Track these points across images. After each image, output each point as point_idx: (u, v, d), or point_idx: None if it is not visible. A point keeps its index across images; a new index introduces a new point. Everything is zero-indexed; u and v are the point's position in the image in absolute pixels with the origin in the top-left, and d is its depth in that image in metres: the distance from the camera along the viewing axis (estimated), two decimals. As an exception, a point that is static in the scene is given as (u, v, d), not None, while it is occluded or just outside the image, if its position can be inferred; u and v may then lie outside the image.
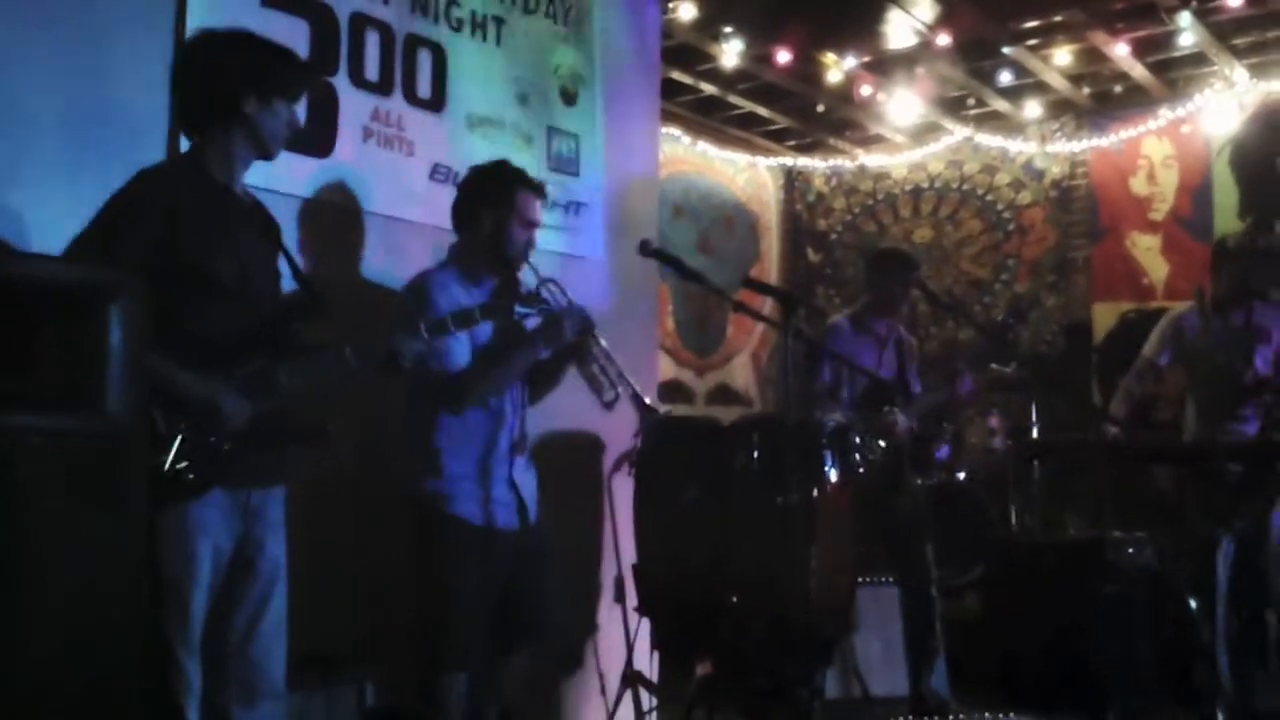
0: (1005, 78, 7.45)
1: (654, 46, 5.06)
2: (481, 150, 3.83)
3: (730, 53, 6.78)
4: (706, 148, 8.53)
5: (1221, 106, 7.41)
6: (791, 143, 9.10)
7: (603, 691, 4.07)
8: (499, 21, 4.11)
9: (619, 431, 4.04)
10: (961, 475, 6.74)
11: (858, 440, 4.12)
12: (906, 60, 7.07)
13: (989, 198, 8.58)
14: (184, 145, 2.79)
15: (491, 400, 3.20)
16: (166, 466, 2.35)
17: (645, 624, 4.01)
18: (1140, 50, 6.95)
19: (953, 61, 7.02)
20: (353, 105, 3.60)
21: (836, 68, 7.16)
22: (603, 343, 3.31)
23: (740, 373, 8.86)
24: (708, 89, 7.51)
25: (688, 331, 8.34)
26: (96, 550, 1.97)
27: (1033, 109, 8.01)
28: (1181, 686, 4.51)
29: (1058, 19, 6.56)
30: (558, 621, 3.37)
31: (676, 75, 7.03)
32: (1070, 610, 4.70)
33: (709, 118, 8.26)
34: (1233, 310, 4.59)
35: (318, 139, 3.45)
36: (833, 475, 3.85)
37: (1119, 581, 4.75)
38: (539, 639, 3.33)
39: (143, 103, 2.97)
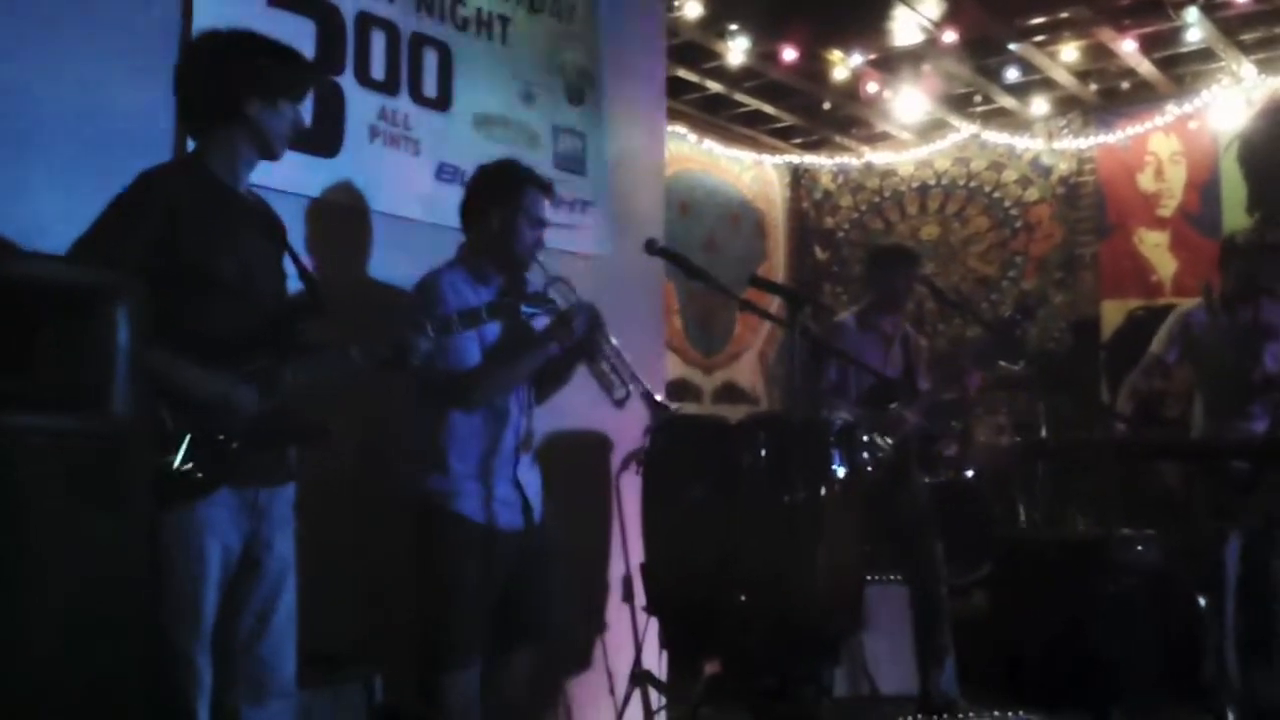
0: (1012, 74, 7.44)
1: (659, 44, 5.06)
2: (488, 149, 3.83)
3: (736, 50, 6.78)
4: (712, 146, 8.52)
5: (1229, 102, 7.39)
6: (798, 140, 9.09)
7: (611, 691, 4.07)
8: (504, 20, 4.11)
9: (627, 430, 4.04)
10: (969, 473, 6.73)
11: (865, 438, 4.12)
12: (913, 57, 7.06)
13: (996, 195, 8.57)
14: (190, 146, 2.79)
15: (497, 402, 3.20)
16: (175, 465, 2.36)
17: (653, 623, 4.01)
18: (1147, 46, 6.93)
19: (959, 58, 7.01)
20: (359, 104, 3.60)
21: (843, 65, 7.15)
22: (613, 340, 3.30)
23: (747, 371, 8.86)
24: (714, 87, 7.50)
25: (694, 330, 8.34)
26: (98, 550, 1.97)
27: (1040, 106, 8.00)
28: (1189, 684, 4.50)
29: (1064, 15, 6.54)
30: (560, 621, 3.36)
31: (682, 73, 7.02)
32: (1077, 608, 4.70)
33: (715, 116, 8.25)
34: (1241, 307, 4.57)
35: (324, 138, 3.45)
36: (840, 473, 3.84)
37: (1126, 579, 4.74)
38: (541, 639, 3.33)
39: (148, 104, 2.97)
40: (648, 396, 3.34)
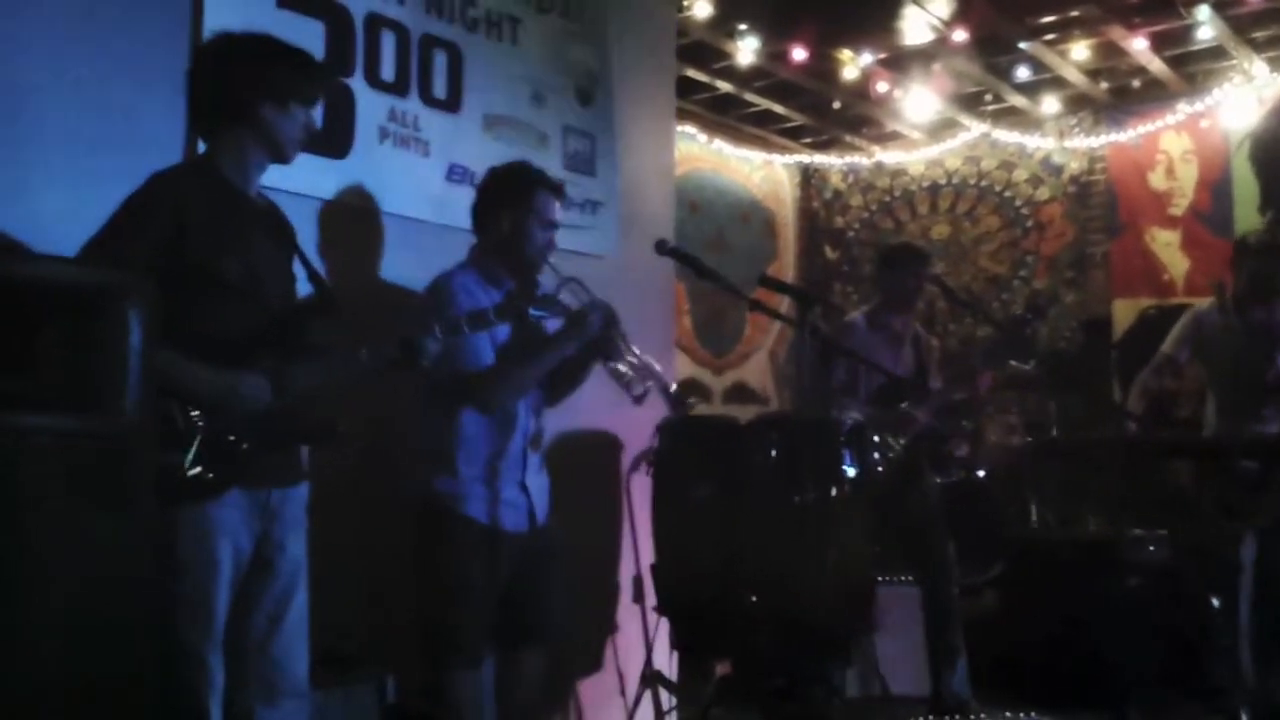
0: (1023, 73, 7.41)
1: (669, 45, 5.06)
2: (497, 150, 3.83)
3: (746, 50, 6.77)
4: (722, 145, 8.51)
5: (1240, 100, 7.36)
6: (808, 140, 9.08)
7: (622, 691, 4.08)
8: (514, 21, 4.11)
9: (637, 431, 4.04)
10: (980, 473, 6.72)
11: (876, 438, 4.11)
12: (923, 56, 7.05)
13: (1007, 194, 8.55)
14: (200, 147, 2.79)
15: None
16: (187, 465, 2.36)
17: (664, 624, 4.01)
18: (1158, 44, 6.91)
19: (969, 57, 6.99)
20: (369, 106, 3.60)
21: (852, 64, 7.13)
22: (628, 340, 3.29)
23: (757, 371, 8.85)
24: (723, 87, 7.49)
25: (704, 330, 8.33)
26: (104, 551, 1.97)
27: (1050, 104, 7.97)
28: (1201, 684, 4.49)
29: (1075, 14, 6.52)
30: (565, 622, 3.36)
31: (692, 73, 7.02)
32: (1089, 608, 4.69)
33: (725, 115, 8.24)
34: (1253, 308, 4.55)
35: (334, 140, 3.46)
36: (851, 474, 3.84)
37: (1137, 579, 4.73)
38: (544, 640, 3.32)
39: (157, 105, 2.98)
40: (666, 391, 3.34)
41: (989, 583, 5.52)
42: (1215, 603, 4.44)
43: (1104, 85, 7.72)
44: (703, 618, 3.79)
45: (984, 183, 8.66)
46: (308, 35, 3.29)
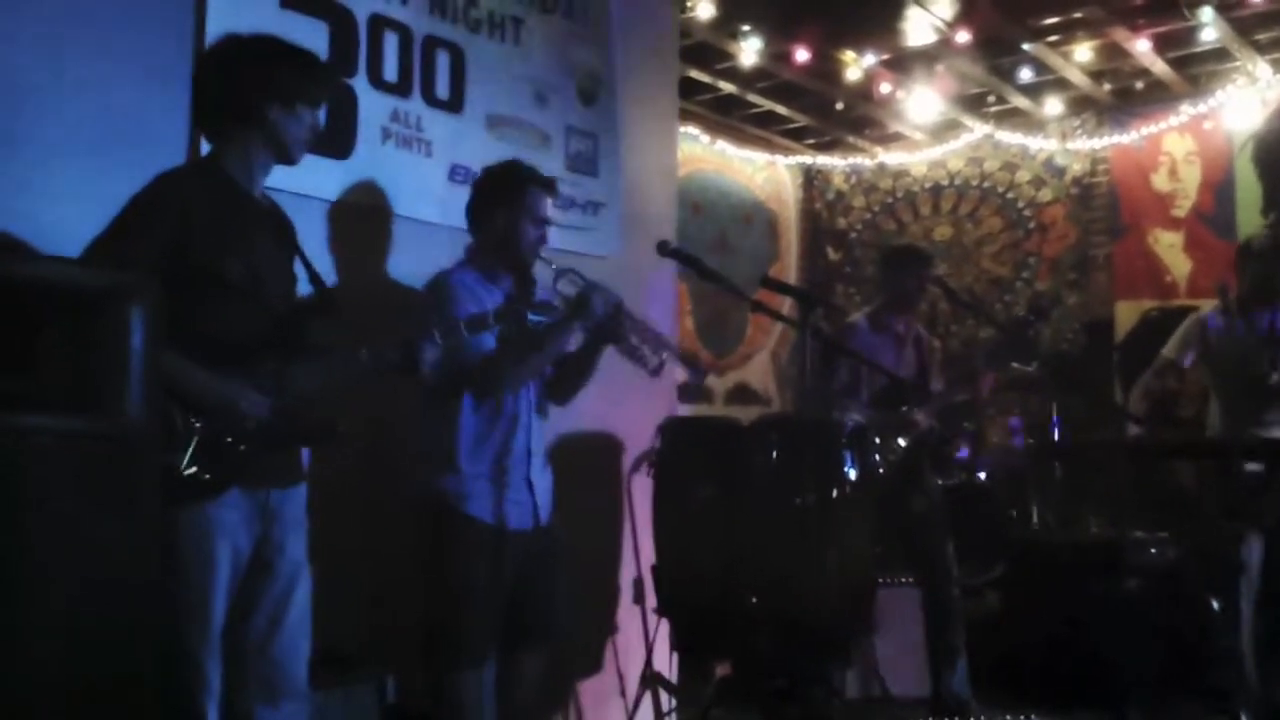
0: (1025, 74, 7.41)
1: (672, 45, 5.06)
2: (500, 151, 3.83)
3: (749, 51, 6.77)
4: (725, 146, 8.52)
5: (1244, 102, 7.35)
6: (810, 141, 9.08)
7: (622, 692, 4.08)
8: (517, 22, 4.12)
9: (638, 432, 4.05)
10: (981, 475, 6.72)
11: (877, 440, 4.11)
12: (926, 57, 7.05)
13: (1009, 195, 8.55)
14: (205, 149, 2.80)
15: (508, 400, 3.20)
16: (183, 466, 2.36)
17: (664, 625, 4.01)
18: (1161, 46, 6.91)
19: (972, 58, 6.99)
20: (371, 106, 3.60)
21: (855, 65, 7.14)
22: (634, 315, 3.29)
23: (759, 372, 8.85)
24: (726, 87, 7.50)
25: (706, 331, 8.34)
26: (106, 552, 1.96)
27: (1053, 106, 7.97)
28: (1203, 686, 4.49)
29: (1078, 15, 6.52)
30: (567, 623, 3.36)
31: (695, 74, 7.02)
32: (1090, 610, 4.69)
33: (728, 116, 8.25)
34: (1257, 311, 4.55)
35: (337, 140, 3.46)
36: (852, 475, 3.84)
37: (1139, 580, 4.73)
38: (545, 641, 3.32)
39: (161, 106, 2.99)
40: (681, 358, 3.34)
41: (990, 584, 5.53)
42: (1216, 605, 4.44)
43: (1107, 87, 7.72)
44: (703, 619, 3.79)
45: (986, 184, 8.66)
46: (311, 36, 3.29)
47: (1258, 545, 4.36)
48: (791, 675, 3.68)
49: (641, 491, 4.08)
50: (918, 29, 6.54)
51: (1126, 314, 7.85)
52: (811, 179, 9.49)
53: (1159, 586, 4.75)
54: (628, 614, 4.25)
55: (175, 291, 2.23)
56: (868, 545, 3.93)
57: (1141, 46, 6.81)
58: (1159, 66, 7.17)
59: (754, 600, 3.58)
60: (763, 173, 9.03)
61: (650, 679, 4.03)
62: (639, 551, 4.12)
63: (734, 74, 7.28)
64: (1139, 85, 7.69)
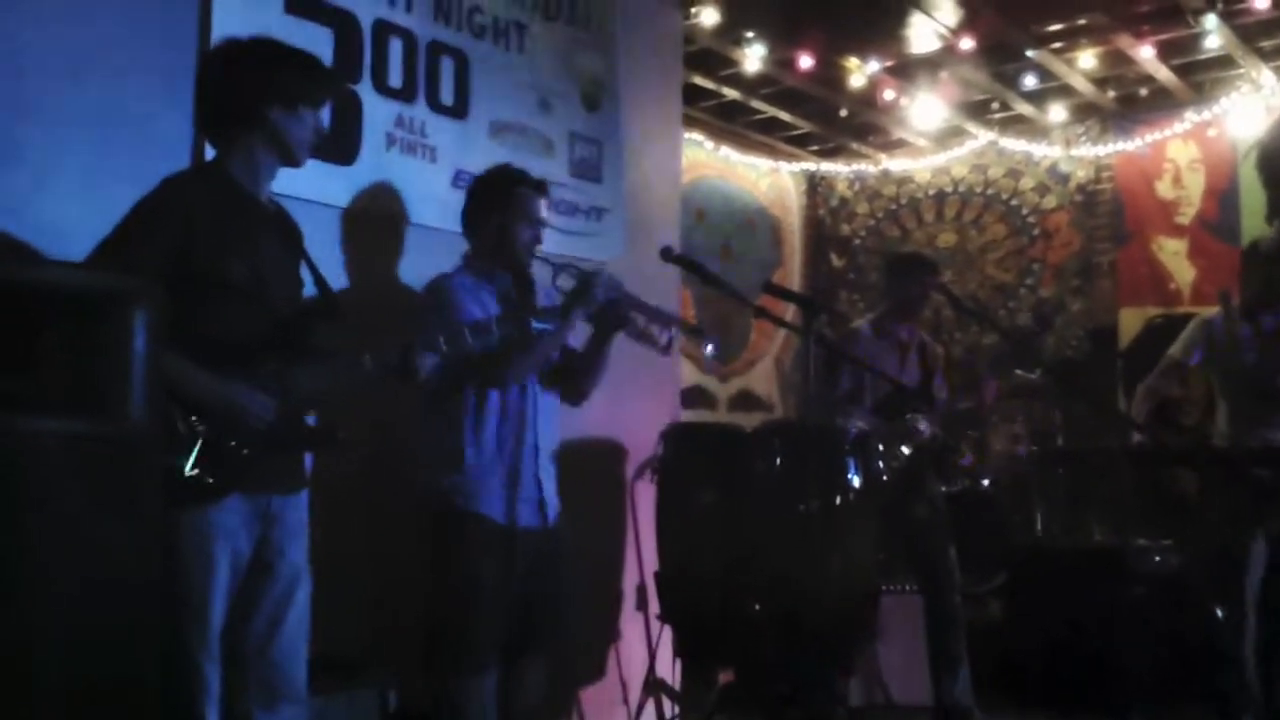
0: (1029, 81, 7.40)
1: (676, 52, 5.06)
2: (503, 157, 3.83)
3: (752, 58, 6.77)
4: (729, 153, 8.52)
5: (1248, 109, 7.34)
6: (814, 147, 9.08)
7: (625, 700, 4.08)
8: (521, 28, 4.12)
9: (642, 438, 4.05)
10: (985, 482, 6.71)
11: (880, 446, 4.11)
12: (929, 64, 7.04)
13: (1013, 202, 8.54)
14: (209, 154, 2.80)
15: (516, 398, 3.19)
16: (187, 469, 2.37)
17: (667, 631, 4.01)
18: (1165, 53, 6.90)
19: (976, 65, 6.99)
20: (376, 112, 3.62)
21: (859, 72, 7.13)
22: (635, 296, 3.28)
23: (762, 378, 8.84)
24: (730, 94, 7.50)
25: (710, 337, 8.32)
26: (109, 555, 1.97)
27: (1057, 112, 7.97)
28: (1206, 693, 4.48)
29: (1082, 22, 6.51)
30: (572, 629, 3.35)
31: (698, 80, 7.02)
32: (1093, 617, 4.68)
33: (731, 123, 8.24)
34: (1264, 314, 4.53)
35: (341, 146, 3.47)
36: (855, 482, 3.84)
37: (1142, 588, 4.72)
38: (548, 647, 3.31)
39: (166, 110, 3.00)
40: (688, 329, 3.34)
41: (993, 591, 5.52)
42: (1220, 612, 4.43)
43: (1111, 94, 7.71)
44: (706, 625, 3.79)
45: (990, 191, 8.65)
46: (316, 42, 3.30)
47: (1261, 551, 4.35)
48: (794, 682, 3.67)
49: (645, 498, 4.07)
50: (921, 36, 6.54)
51: (1130, 321, 7.83)
52: (815, 185, 9.49)
53: (1162, 594, 4.74)
54: (630, 620, 4.24)
55: (179, 294, 2.23)
56: (871, 552, 3.93)
57: (1146, 53, 6.80)
58: (1163, 73, 7.16)
59: (757, 607, 3.58)
60: (766, 179, 9.03)
61: (653, 686, 4.02)
62: (642, 558, 4.12)
63: (738, 80, 7.28)
64: (1143, 92, 7.68)
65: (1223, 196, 7.54)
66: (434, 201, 3.75)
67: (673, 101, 4.98)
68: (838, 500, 3.77)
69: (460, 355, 2.88)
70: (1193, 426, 5.16)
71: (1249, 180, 7.44)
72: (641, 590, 4.10)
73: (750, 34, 6.57)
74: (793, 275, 9.22)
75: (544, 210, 3.36)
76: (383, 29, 3.65)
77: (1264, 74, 7.08)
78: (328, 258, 3.33)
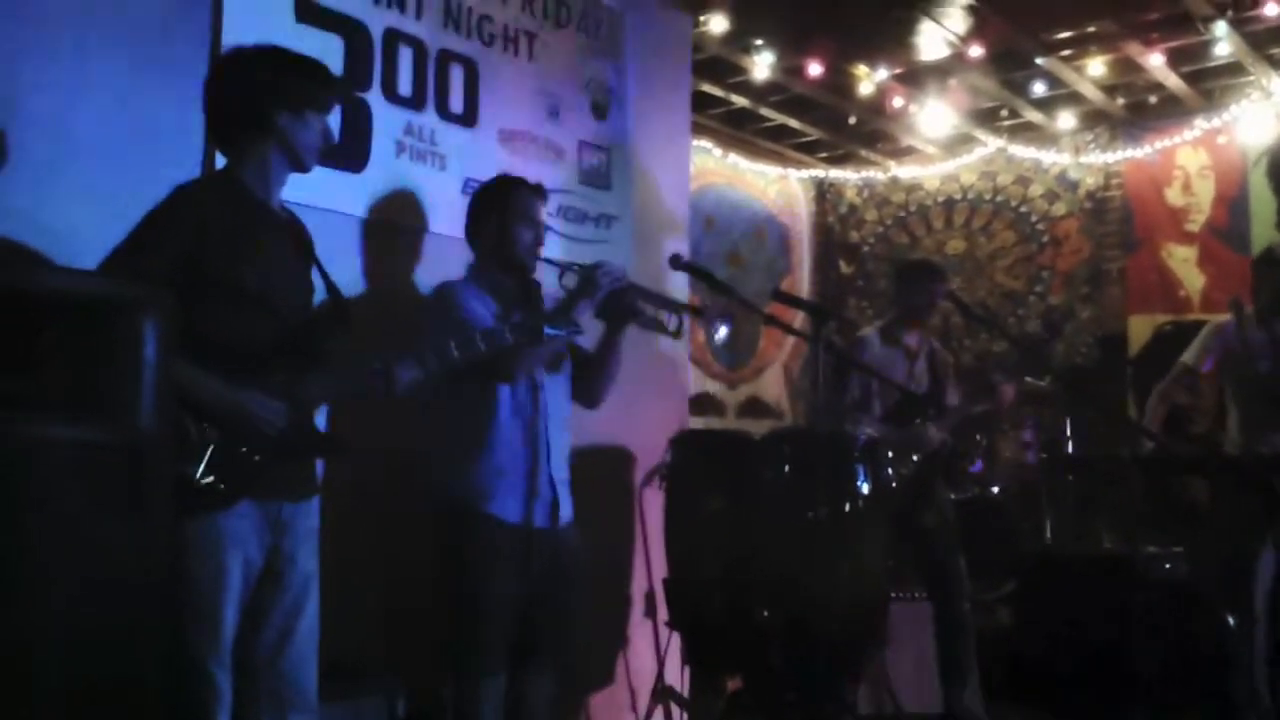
0: (1039, 88, 7.40)
1: (684, 59, 5.07)
2: (513, 164, 3.85)
3: (761, 65, 6.78)
4: (738, 160, 8.52)
5: (1258, 116, 7.33)
6: (823, 155, 9.08)
7: (633, 707, 4.08)
8: (530, 36, 4.13)
9: (650, 445, 4.05)
10: (994, 489, 6.71)
11: (890, 454, 4.11)
12: (939, 71, 7.05)
13: (1022, 209, 8.54)
14: (220, 161, 2.82)
15: (528, 398, 3.18)
16: (198, 476, 2.37)
17: (676, 638, 4.01)
18: (1175, 60, 6.89)
19: (985, 72, 6.99)
20: (386, 120, 3.63)
21: (868, 79, 7.14)
22: (640, 284, 3.27)
23: (771, 385, 8.84)
24: (739, 101, 7.50)
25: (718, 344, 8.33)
26: (118, 561, 1.97)
27: (1066, 120, 7.96)
28: (1217, 701, 4.46)
29: (1091, 29, 6.50)
30: (579, 630, 3.34)
31: (707, 88, 7.03)
32: (1103, 624, 4.67)
33: (740, 130, 8.25)
34: (1278, 321, 4.52)
35: (351, 154, 3.48)
36: (864, 489, 3.83)
37: (1152, 595, 4.71)
38: (557, 653, 3.29)
39: (178, 119, 3.01)
40: (694, 309, 3.34)
41: (1003, 598, 5.51)
42: (1231, 619, 4.41)
43: (1120, 101, 7.71)
44: (715, 632, 3.79)
45: (1000, 198, 8.65)
46: (326, 50, 3.32)
47: (1271, 558, 4.33)
48: (803, 689, 3.67)
49: (653, 504, 4.08)
50: (930, 43, 6.54)
51: (1140, 328, 7.82)
52: (824, 192, 9.49)
53: (1172, 601, 4.73)
54: (639, 627, 4.24)
55: (190, 301, 2.25)
56: (880, 559, 3.92)
57: (1155, 60, 6.79)
58: (1172, 80, 7.15)
59: (766, 614, 3.58)
60: (775, 186, 9.04)
61: (662, 693, 4.02)
62: (650, 565, 4.12)
63: (747, 88, 7.29)
64: (1152, 99, 7.68)
65: (1232, 203, 7.53)
66: (443, 209, 3.76)
67: (681, 109, 4.99)
68: (847, 507, 3.76)
69: (467, 360, 2.88)
70: (1203, 434, 5.15)
71: (1259, 187, 7.42)
72: (650, 597, 4.11)
73: (759, 41, 6.58)
74: (801, 282, 9.22)
75: (543, 213, 3.36)
76: (393, 37, 3.66)
77: (1274, 81, 7.07)
78: (338, 265, 3.34)
